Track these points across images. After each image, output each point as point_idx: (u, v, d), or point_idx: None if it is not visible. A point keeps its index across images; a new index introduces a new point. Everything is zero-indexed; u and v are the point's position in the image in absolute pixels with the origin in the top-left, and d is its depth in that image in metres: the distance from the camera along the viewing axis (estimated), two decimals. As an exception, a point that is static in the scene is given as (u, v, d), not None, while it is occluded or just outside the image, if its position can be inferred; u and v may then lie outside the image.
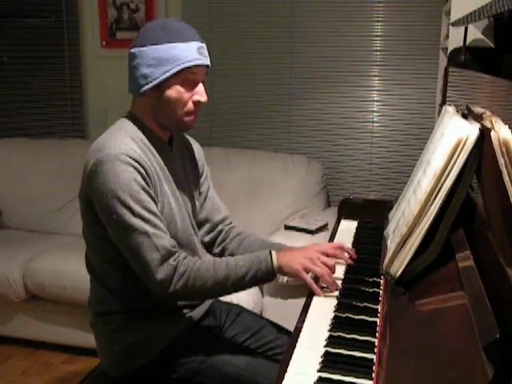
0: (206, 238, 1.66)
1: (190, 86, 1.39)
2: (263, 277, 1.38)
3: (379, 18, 2.99)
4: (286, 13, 3.09)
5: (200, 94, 1.41)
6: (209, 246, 1.68)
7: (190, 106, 1.41)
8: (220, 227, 1.67)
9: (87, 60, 3.46)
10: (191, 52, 1.36)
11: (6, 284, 2.67)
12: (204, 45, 1.41)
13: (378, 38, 3.00)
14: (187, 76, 1.37)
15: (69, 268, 2.64)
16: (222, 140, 3.20)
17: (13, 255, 2.78)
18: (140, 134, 1.42)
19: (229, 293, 1.46)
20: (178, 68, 1.35)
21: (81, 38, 3.44)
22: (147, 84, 1.37)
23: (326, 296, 1.37)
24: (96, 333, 1.51)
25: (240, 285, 1.38)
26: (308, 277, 1.37)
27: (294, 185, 2.94)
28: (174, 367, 1.43)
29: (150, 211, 1.32)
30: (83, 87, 3.48)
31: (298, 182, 2.95)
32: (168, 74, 1.35)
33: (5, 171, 3.24)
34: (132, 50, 1.39)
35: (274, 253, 1.40)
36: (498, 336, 0.75)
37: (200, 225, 1.64)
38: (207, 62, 1.41)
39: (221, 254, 1.66)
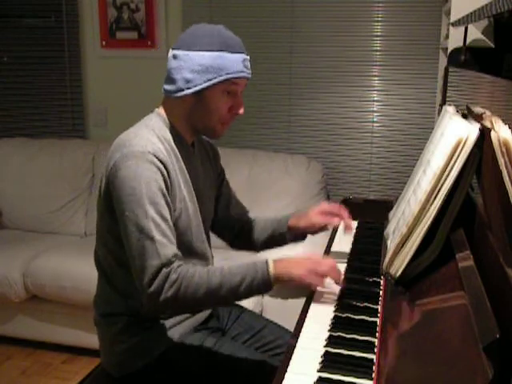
0: (229, 234, 1.69)
1: (230, 96, 1.39)
2: (259, 286, 1.31)
3: (379, 18, 2.99)
4: (286, 13, 3.09)
5: (239, 106, 1.42)
6: (232, 241, 1.70)
7: (227, 116, 1.42)
8: (240, 223, 1.69)
9: (87, 60, 3.46)
10: (237, 64, 1.36)
11: (5, 284, 2.67)
12: (248, 57, 1.40)
13: (378, 38, 3.00)
14: (229, 86, 1.37)
15: (69, 268, 2.64)
16: (222, 140, 3.18)
17: (13, 255, 2.78)
18: (167, 135, 1.41)
19: (223, 303, 1.42)
20: (222, 78, 1.34)
21: (81, 38, 3.44)
22: (188, 89, 1.35)
23: (325, 296, 1.36)
24: (100, 332, 1.51)
25: (235, 294, 1.31)
26: (314, 278, 1.32)
27: (294, 185, 2.94)
28: (176, 368, 1.43)
29: (162, 216, 1.29)
30: (83, 87, 3.48)
31: (298, 182, 2.95)
32: (211, 83, 1.34)
33: (5, 171, 3.24)
34: (176, 52, 1.36)
35: (270, 262, 1.34)
36: (497, 336, 0.75)
37: (222, 222, 1.65)
38: (250, 75, 1.41)
39: (242, 247, 1.71)
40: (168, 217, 1.32)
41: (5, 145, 3.33)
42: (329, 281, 1.36)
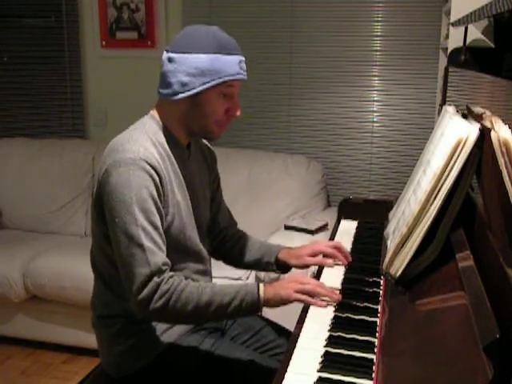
0: (211, 243, 1.67)
1: (226, 98, 1.39)
2: (247, 309, 1.32)
3: (379, 18, 2.99)
4: (286, 13, 3.09)
5: (236, 108, 1.41)
6: (213, 251, 1.68)
7: (223, 118, 1.41)
8: (225, 232, 1.68)
9: (87, 60, 3.46)
10: (233, 66, 1.35)
11: (5, 284, 2.67)
12: (244, 59, 1.39)
13: (378, 38, 3.00)
14: (225, 89, 1.37)
15: (69, 268, 2.64)
16: (222, 140, 3.18)
17: (13, 255, 2.78)
18: (161, 139, 1.40)
19: (211, 319, 1.43)
20: (218, 81, 1.34)
21: (81, 38, 3.44)
22: (184, 92, 1.34)
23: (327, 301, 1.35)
24: (97, 334, 1.50)
25: (223, 313, 1.31)
26: (302, 296, 1.32)
27: (294, 185, 2.95)
28: (174, 369, 1.43)
29: (152, 223, 1.29)
30: (83, 87, 3.48)
31: (298, 182, 2.95)
32: (208, 86, 1.34)
33: (5, 171, 3.23)
34: (171, 54, 1.35)
35: (261, 286, 1.34)
36: (497, 336, 0.75)
37: (209, 230, 1.64)
38: (246, 77, 1.40)
39: (223, 258, 1.69)
40: (158, 224, 1.31)
41: (5, 145, 3.33)
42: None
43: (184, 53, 1.34)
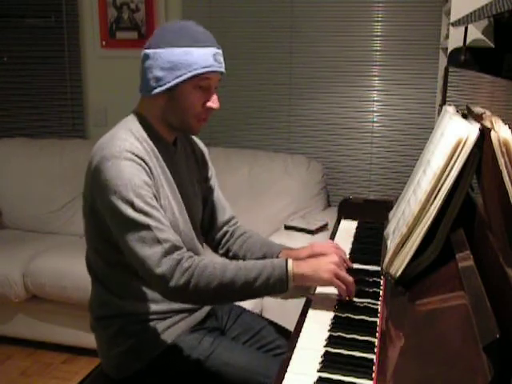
0: (213, 240, 1.67)
1: (203, 91, 1.38)
2: (275, 284, 1.28)
3: (379, 18, 2.99)
4: (286, 13, 3.09)
5: (212, 100, 1.40)
6: (215, 247, 1.68)
7: (201, 111, 1.40)
8: (225, 228, 1.67)
9: (87, 60, 3.46)
10: (207, 58, 1.35)
11: (6, 284, 2.67)
12: (220, 51, 1.39)
13: (378, 38, 3.00)
14: (200, 82, 1.36)
15: (69, 268, 2.64)
16: (222, 140, 3.20)
17: (13, 255, 2.78)
18: (145, 135, 1.41)
19: (237, 298, 1.38)
20: (191, 74, 1.34)
21: (81, 38, 3.44)
22: (159, 87, 1.36)
23: (325, 296, 1.36)
24: (96, 336, 1.50)
25: (249, 290, 1.28)
26: (342, 284, 1.31)
27: (294, 185, 2.94)
28: (174, 369, 1.43)
29: (151, 206, 1.29)
30: (83, 87, 3.48)
31: (298, 182, 2.95)
32: (181, 79, 1.34)
33: (5, 171, 3.24)
34: (146, 51, 1.37)
35: (290, 260, 1.31)
36: (497, 336, 0.75)
37: (207, 226, 1.64)
38: (222, 68, 1.39)
39: (225, 255, 1.67)
40: (158, 206, 1.32)
41: (5, 145, 3.33)
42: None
43: (158, 48, 1.35)
